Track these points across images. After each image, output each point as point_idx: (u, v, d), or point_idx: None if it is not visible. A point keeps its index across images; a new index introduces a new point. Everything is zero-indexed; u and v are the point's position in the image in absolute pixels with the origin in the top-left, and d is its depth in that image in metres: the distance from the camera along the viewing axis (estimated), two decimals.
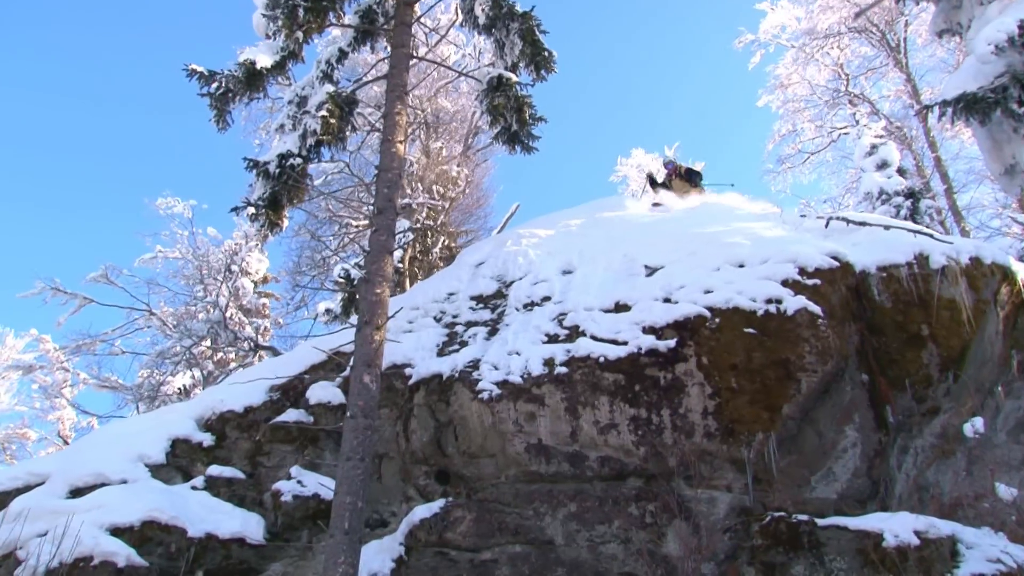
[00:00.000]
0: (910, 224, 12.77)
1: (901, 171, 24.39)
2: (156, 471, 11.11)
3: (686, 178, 17.30)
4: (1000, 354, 10.69)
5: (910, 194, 23.17)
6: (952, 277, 10.39)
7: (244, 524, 10.53)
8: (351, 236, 24.84)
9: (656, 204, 16.14)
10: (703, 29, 66.76)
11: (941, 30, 15.54)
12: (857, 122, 26.78)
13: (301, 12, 13.00)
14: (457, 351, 11.46)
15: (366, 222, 22.98)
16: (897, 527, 8.53)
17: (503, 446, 10.29)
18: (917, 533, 8.46)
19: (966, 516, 9.36)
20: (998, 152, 13.65)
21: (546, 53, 13.66)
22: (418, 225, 23.25)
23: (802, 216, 12.93)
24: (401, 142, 12.31)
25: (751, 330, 9.89)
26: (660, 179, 18.69)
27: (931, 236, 11.20)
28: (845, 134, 29.18)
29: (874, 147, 24.52)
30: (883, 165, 24.06)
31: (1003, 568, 8.07)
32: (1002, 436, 10.60)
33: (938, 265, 10.43)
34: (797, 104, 31.44)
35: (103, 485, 10.48)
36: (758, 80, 52.33)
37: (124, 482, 10.61)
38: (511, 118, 13.58)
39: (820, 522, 8.74)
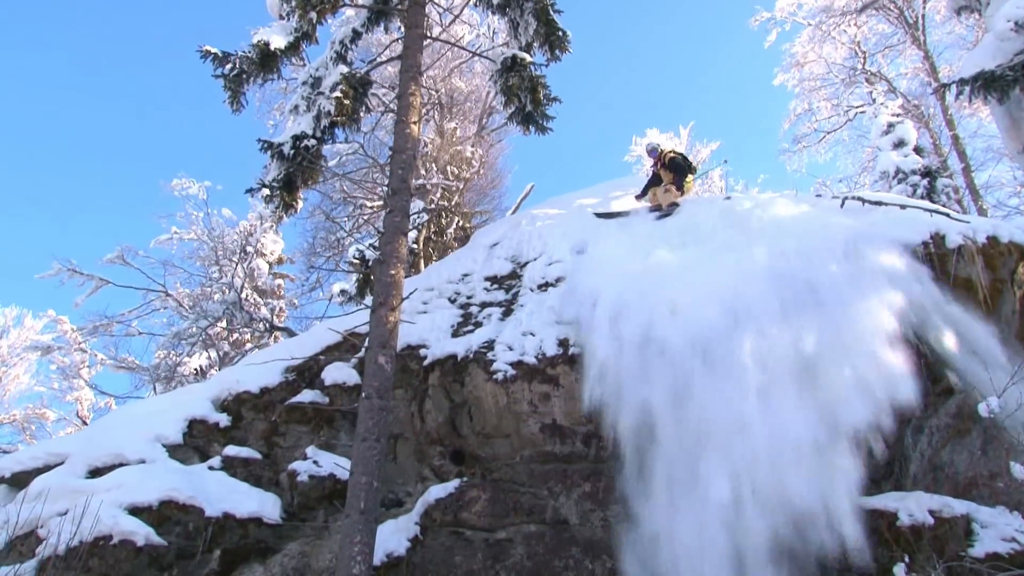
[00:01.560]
0: (926, 203, 12.68)
1: (918, 150, 24.17)
2: (173, 451, 11.20)
3: (670, 168, 14.15)
4: (1017, 333, 10.62)
5: (927, 173, 22.97)
6: (968, 256, 10.32)
7: (261, 504, 10.62)
8: (366, 217, 24.84)
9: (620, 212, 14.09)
10: (718, 7, 66.25)
11: (960, 7, 15.43)
12: (874, 100, 26.58)
13: None
14: (472, 332, 11.49)
15: (380, 203, 22.99)
16: (912, 506, 8.55)
17: (518, 426, 10.33)
18: (932, 512, 8.48)
19: (981, 496, 9.36)
20: (1016, 130, 13.56)
21: (560, 33, 13.63)
22: (432, 206, 23.23)
23: (818, 196, 12.84)
24: (415, 123, 12.31)
25: None
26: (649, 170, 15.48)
27: (948, 215, 11.11)
28: (862, 113, 28.96)
29: (891, 126, 24.31)
30: (900, 144, 23.86)
31: (1018, 547, 8.08)
32: (1019, 415, 10.56)
33: (955, 244, 10.35)
34: (813, 83, 31.18)
35: (121, 465, 10.57)
36: (774, 59, 51.99)
37: (142, 462, 10.69)
38: (525, 98, 13.57)
39: None
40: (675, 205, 13.57)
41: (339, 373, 12.11)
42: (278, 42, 13.08)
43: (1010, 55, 12.91)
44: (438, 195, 23.95)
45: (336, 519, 10.44)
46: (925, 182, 22.61)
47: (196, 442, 11.66)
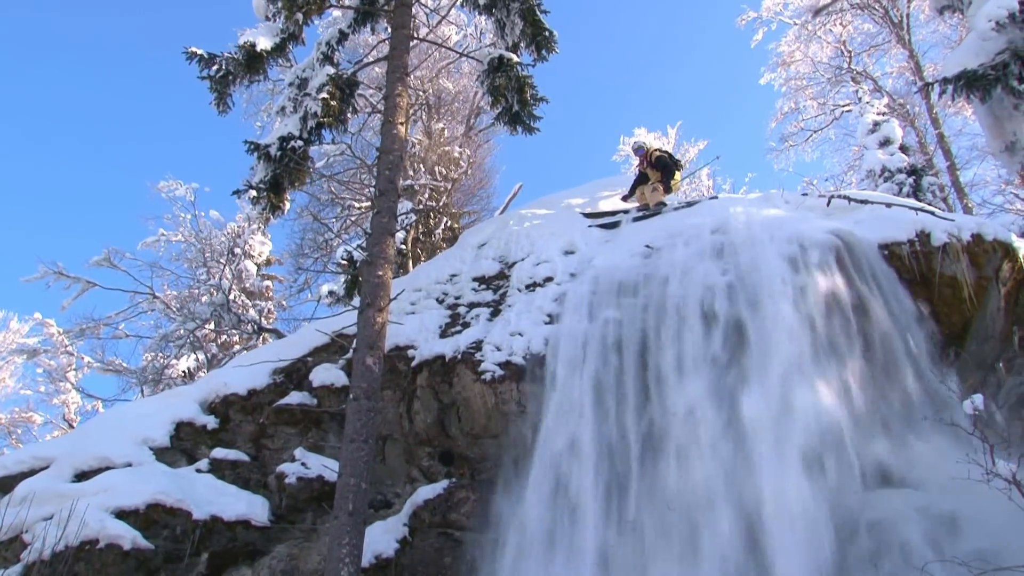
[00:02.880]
0: (912, 202, 12.73)
1: (904, 148, 24.27)
2: (161, 454, 11.17)
3: (657, 166, 14.02)
4: (1002, 330, 10.67)
5: (913, 171, 23.06)
6: (954, 254, 10.35)
7: (249, 506, 10.60)
8: (353, 218, 24.80)
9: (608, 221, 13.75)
10: (706, 7, 66.39)
11: (942, 6, 15.45)
12: (860, 99, 26.63)
13: None
14: (460, 332, 11.48)
15: (368, 204, 22.95)
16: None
17: (506, 427, 10.32)
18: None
19: None
20: (999, 129, 13.59)
21: (547, 33, 13.63)
22: (420, 206, 23.19)
23: (804, 195, 12.86)
24: (402, 123, 12.30)
25: None
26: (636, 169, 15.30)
27: (933, 214, 11.15)
28: (848, 111, 29.06)
29: (877, 124, 24.40)
30: (886, 142, 23.94)
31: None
32: (1003, 412, 10.61)
33: (940, 242, 10.38)
34: (800, 82, 31.28)
35: (108, 468, 10.54)
36: (761, 58, 52.08)
37: (129, 465, 10.67)
38: (512, 99, 13.56)
39: None
40: (663, 204, 13.58)
41: (327, 375, 12.09)
42: (264, 43, 13.03)
43: (992, 54, 12.95)
44: (426, 196, 23.94)
45: (324, 521, 10.43)
46: (911, 180, 22.71)
47: (183, 445, 11.64)
